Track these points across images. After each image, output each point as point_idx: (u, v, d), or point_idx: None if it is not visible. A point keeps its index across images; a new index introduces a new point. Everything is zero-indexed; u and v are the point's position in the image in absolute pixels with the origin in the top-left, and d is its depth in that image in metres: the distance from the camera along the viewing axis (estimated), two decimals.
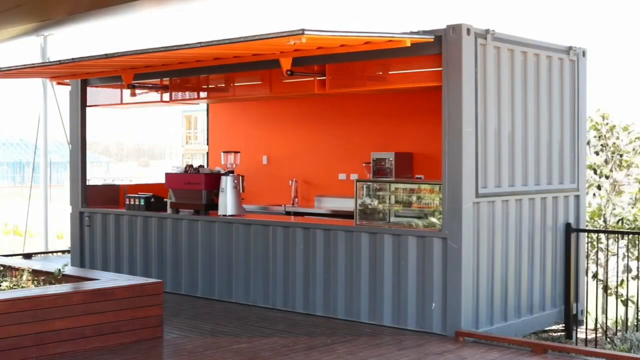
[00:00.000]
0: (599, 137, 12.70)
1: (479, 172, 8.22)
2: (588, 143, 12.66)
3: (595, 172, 12.62)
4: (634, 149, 12.59)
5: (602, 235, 11.98)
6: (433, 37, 8.06)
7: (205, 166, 10.90)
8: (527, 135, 8.93)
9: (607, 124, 12.69)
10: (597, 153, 12.80)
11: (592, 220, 12.45)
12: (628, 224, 12.32)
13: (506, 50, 8.55)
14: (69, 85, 11.72)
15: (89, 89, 11.68)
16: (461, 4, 76.51)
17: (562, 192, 9.53)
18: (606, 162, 12.63)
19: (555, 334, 9.93)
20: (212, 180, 10.12)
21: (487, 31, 8.23)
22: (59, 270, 8.29)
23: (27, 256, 13.42)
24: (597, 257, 11.99)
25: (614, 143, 12.59)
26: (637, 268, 11.34)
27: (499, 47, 8.45)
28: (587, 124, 12.54)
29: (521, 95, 8.82)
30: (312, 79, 9.54)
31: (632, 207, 12.63)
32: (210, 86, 11.08)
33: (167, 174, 10.53)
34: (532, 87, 8.97)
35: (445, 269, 8.15)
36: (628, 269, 11.19)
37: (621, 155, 12.52)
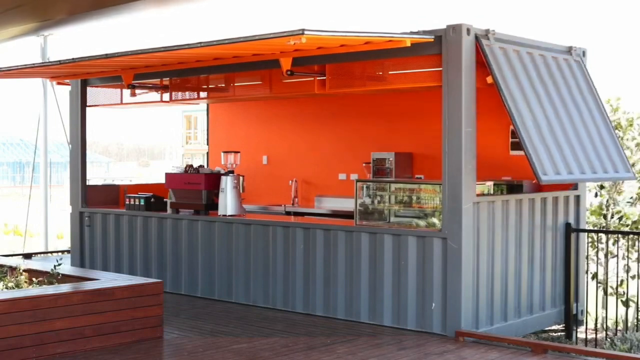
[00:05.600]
0: None
1: (538, 160, 8.03)
2: None
3: None
4: (637, 145, 12.54)
5: (602, 235, 11.97)
6: (433, 37, 8.05)
7: (205, 166, 10.90)
8: (566, 131, 8.75)
9: (614, 120, 12.63)
10: None
11: (593, 217, 12.41)
12: (629, 222, 12.31)
13: (512, 51, 8.54)
14: (69, 85, 11.72)
15: (89, 89, 11.68)
16: (461, 4, 76.50)
17: (562, 192, 9.53)
18: None
19: (555, 334, 9.93)
20: (212, 180, 10.12)
21: (487, 31, 8.22)
22: (54, 266, 8.28)
23: (27, 256, 13.41)
24: (597, 257, 11.98)
25: (620, 137, 12.53)
26: (637, 268, 11.33)
27: (504, 48, 8.43)
28: None
29: (544, 94, 8.70)
30: (312, 79, 9.54)
31: (632, 206, 12.61)
32: (210, 86, 11.09)
33: (167, 174, 10.53)
34: (551, 87, 8.86)
35: (445, 269, 8.15)
36: (628, 269, 11.19)
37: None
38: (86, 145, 11.71)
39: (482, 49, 8.11)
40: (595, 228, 12.24)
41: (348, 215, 9.81)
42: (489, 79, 8.33)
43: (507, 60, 8.38)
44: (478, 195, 8.33)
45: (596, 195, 12.51)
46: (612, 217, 12.37)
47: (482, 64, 8.31)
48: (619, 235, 10.91)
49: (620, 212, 12.42)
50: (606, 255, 11.85)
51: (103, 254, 11.38)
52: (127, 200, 11.04)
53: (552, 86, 8.91)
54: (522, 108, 8.24)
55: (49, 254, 14.31)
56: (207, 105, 13.11)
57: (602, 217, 12.45)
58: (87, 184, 11.76)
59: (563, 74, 9.20)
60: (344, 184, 11.38)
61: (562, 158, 8.46)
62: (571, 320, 9.67)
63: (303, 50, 8.36)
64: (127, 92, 11.44)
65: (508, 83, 8.23)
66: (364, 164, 11.00)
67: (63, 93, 13.27)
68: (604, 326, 11.42)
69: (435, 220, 8.46)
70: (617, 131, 12.31)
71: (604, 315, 11.87)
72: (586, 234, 10.15)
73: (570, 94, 9.14)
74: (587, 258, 10.34)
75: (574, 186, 9.75)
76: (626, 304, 10.96)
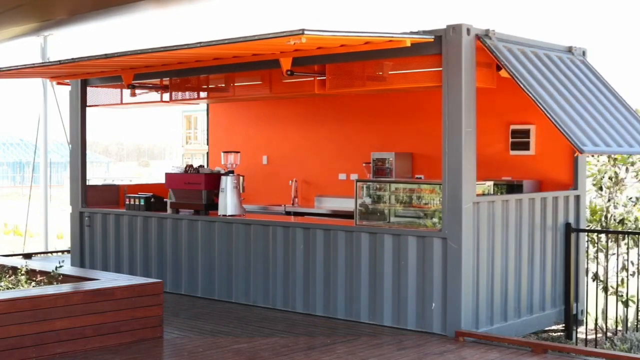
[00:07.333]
0: None
1: (573, 133, 7.88)
2: None
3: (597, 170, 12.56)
4: None
5: (602, 235, 11.94)
6: (433, 37, 8.06)
7: (205, 166, 10.90)
8: (591, 113, 8.56)
9: None
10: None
11: (594, 216, 12.38)
12: (629, 224, 12.28)
13: (516, 49, 8.51)
14: (69, 85, 11.72)
15: (89, 89, 11.68)
16: (461, 4, 76.49)
17: (562, 192, 9.52)
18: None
19: (555, 334, 9.93)
20: (212, 180, 10.12)
21: (488, 31, 8.22)
22: (56, 267, 8.28)
23: (27, 256, 13.41)
24: (596, 257, 11.97)
25: None
26: (637, 267, 11.33)
27: (508, 47, 8.41)
28: None
29: (558, 84, 8.61)
30: (312, 79, 9.54)
31: (633, 206, 12.57)
32: (210, 86, 11.09)
33: (167, 174, 10.53)
34: (564, 79, 8.80)
35: (445, 269, 8.15)
36: (627, 269, 11.18)
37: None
38: (86, 145, 11.71)
39: (488, 46, 8.09)
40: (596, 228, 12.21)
41: (348, 215, 9.81)
42: (502, 73, 8.31)
43: (514, 57, 8.36)
44: (478, 195, 8.33)
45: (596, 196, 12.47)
46: (612, 220, 12.33)
47: (483, 64, 8.33)
48: (619, 235, 10.89)
49: (620, 215, 12.38)
50: (606, 256, 11.84)
51: (103, 254, 11.38)
52: (127, 200, 11.04)
53: (564, 78, 8.83)
54: (543, 94, 8.15)
55: (49, 254, 14.31)
56: (207, 105, 13.11)
57: (603, 218, 12.42)
58: (87, 184, 11.76)
59: (571, 69, 9.16)
60: (344, 184, 11.38)
61: (596, 134, 8.25)
62: (571, 320, 9.67)
63: (303, 50, 8.36)
64: (127, 92, 11.43)
65: (523, 73, 8.19)
66: (364, 164, 11.00)
67: (63, 93, 13.28)
68: (604, 326, 11.41)
69: (435, 220, 8.46)
70: None
71: (604, 315, 11.86)
72: (586, 234, 10.14)
73: (584, 84, 9.04)
74: (587, 255, 10.31)
75: (573, 186, 9.76)
76: (626, 304, 10.95)
